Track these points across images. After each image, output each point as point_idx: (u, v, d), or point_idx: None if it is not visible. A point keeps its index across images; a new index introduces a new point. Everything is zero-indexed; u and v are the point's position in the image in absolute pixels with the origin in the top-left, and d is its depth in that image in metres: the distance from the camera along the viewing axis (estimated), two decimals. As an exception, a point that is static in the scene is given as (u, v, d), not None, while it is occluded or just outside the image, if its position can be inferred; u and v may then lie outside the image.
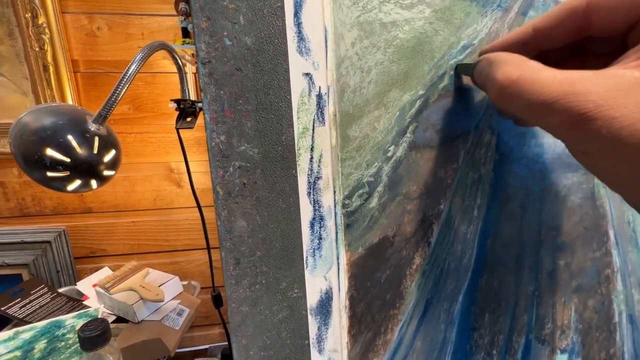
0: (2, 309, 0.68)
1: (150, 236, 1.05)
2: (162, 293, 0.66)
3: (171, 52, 0.56)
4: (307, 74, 0.20)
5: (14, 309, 0.69)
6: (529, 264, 0.27)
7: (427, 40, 0.22)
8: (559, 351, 0.29)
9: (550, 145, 0.26)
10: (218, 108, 0.19)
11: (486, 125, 0.24)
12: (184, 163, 0.64)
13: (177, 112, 0.62)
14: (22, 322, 0.68)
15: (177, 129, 0.60)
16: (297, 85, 0.20)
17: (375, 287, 0.24)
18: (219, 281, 0.90)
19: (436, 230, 0.24)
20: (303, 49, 0.20)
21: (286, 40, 0.20)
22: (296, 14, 0.19)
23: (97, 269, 0.96)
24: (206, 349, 1.12)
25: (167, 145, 0.99)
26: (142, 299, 0.65)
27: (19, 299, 0.71)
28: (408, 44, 0.21)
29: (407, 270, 0.24)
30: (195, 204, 0.65)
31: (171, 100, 0.61)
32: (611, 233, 0.28)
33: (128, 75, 0.47)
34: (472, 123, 0.24)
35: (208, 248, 0.67)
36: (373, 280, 0.24)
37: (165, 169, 1.01)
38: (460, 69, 0.22)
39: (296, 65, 0.20)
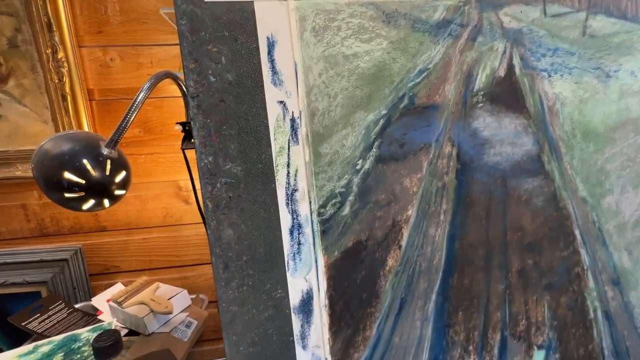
0: (23, 324, 0.72)
1: (161, 252, 1.09)
2: (171, 305, 0.69)
3: (176, 79, 0.61)
4: (281, 102, 0.24)
5: (34, 324, 0.73)
6: (497, 263, 0.29)
7: (386, 67, 0.25)
8: (535, 347, 0.31)
9: (509, 153, 0.28)
10: (205, 134, 0.23)
11: (446, 138, 0.27)
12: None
13: (183, 134, 0.66)
14: (40, 336, 0.72)
15: (183, 150, 0.65)
16: (273, 111, 0.23)
17: (352, 287, 0.26)
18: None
19: (406, 234, 0.27)
20: (277, 81, 0.23)
21: (262, 75, 0.23)
22: (269, 53, 0.23)
23: (110, 285, 1.01)
24: (216, 363, 1.13)
25: (176, 164, 1.04)
26: (152, 311, 0.68)
27: (38, 315, 0.75)
28: (369, 71, 0.25)
29: (381, 271, 0.27)
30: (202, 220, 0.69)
31: (176, 123, 0.65)
32: (577, 233, 0.30)
33: (137, 103, 0.52)
34: (433, 137, 0.27)
35: (214, 261, 0.70)
36: (350, 281, 0.26)
37: (174, 187, 1.06)
38: None
39: (271, 94, 0.23)
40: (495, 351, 0.30)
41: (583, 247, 0.31)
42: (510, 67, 0.27)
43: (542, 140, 0.29)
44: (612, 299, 0.32)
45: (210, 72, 0.22)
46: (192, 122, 0.22)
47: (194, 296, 0.87)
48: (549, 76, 0.28)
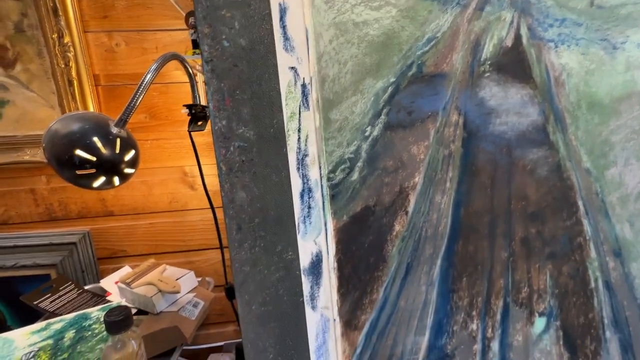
0: (35, 303, 0.74)
1: (167, 237, 1.10)
2: (179, 285, 0.71)
3: (182, 61, 0.61)
4: (292, 68, 0.24)
5: (45, 303, 0.75)
6: (501, 231, 0.30)
7: (395, 35, 0.25)
8: (537, 314, 0.31)
9: (515, 123, 0.29)
10: (219, 98, 0.23)
11: (453, 107, 0.27)
12: (197, 167, 0.70)
13: (189, 117, 0.67)
14: (52, 314, 0.73)
15: (190, 132, 0.65)
16: (285, 77, 0.24)
17: (360, 251, 0.27)
18: (231, 277, 0.94)
19: (413, 201, 0.28)
20: (288, 47, 0.24)
21: (274, 40, 0.24)
22: (281, 19, 0.23)
23: (118, 269, 1.02)
24: (221, 345, 1.15)
25: (181, 150, 1.05)
26: (160, 291, 0.70)
27: (50, 295, 0.77)
28: (378, 39, 0.25)
29: (388, 236, 0.27)
30: (208, 205, 0.70)
31: (183, 105, 0.66)
32: (580, 203, 0.31)
33: (145, 83, 0.53)
34: (440, 105, 0.27)
35: (221, 247, 0.72)
36: (358, 245, 0.27)
37: (180, 172, 1.07)
38: None
39: (283, 60, 0.24)
40: (498, 317, 0.31)
41: (586, 218, 0.31)
42: (518, 37, 0.28)
43: (547, 111, 0.29)
44: (613, 270, 0.33)
45: (224, 37, 0.23)
46: (206, 86, 0.23)
47: (200, 279, 0.89)
48: (556, 47, 0.28)
